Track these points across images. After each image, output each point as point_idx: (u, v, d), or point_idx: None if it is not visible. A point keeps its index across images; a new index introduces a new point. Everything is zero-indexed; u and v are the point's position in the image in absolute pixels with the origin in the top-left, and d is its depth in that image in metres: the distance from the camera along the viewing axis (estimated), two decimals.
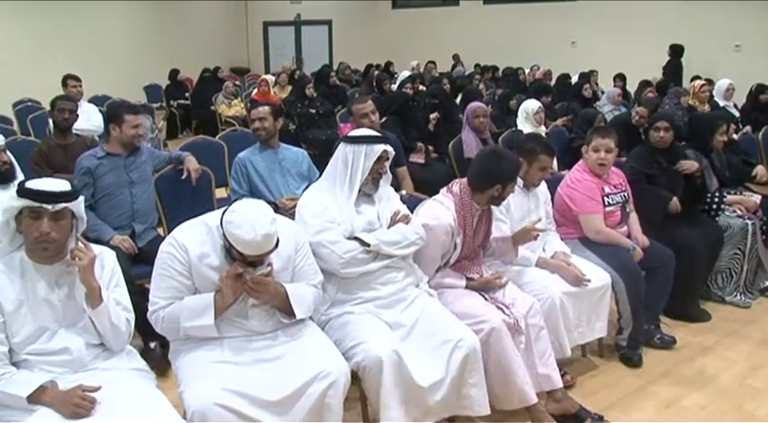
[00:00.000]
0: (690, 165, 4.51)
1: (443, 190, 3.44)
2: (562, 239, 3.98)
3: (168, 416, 2.39)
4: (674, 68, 11.55)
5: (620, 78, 10.84)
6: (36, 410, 2.35)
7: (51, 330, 2.53)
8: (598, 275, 3.75)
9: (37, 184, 2.46)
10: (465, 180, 3.38)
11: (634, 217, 4.22)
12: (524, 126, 5.98)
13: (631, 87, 10.21)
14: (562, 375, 3.60)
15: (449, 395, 2.94)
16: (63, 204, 2.46)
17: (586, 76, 10.26)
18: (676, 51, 11.71)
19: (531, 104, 6.15)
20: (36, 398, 2.36)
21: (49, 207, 2.43)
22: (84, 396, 2.37)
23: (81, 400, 2.35)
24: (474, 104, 6.03)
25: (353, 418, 3.08)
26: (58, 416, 2.33)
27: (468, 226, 3.34)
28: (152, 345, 3.65)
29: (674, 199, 4.41)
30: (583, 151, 4.15)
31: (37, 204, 2.42)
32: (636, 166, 4.46)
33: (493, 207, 3.47)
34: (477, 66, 14.01)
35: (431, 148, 6.37)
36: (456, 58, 15.02)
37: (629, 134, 5.95)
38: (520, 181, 3.66)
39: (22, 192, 2.43)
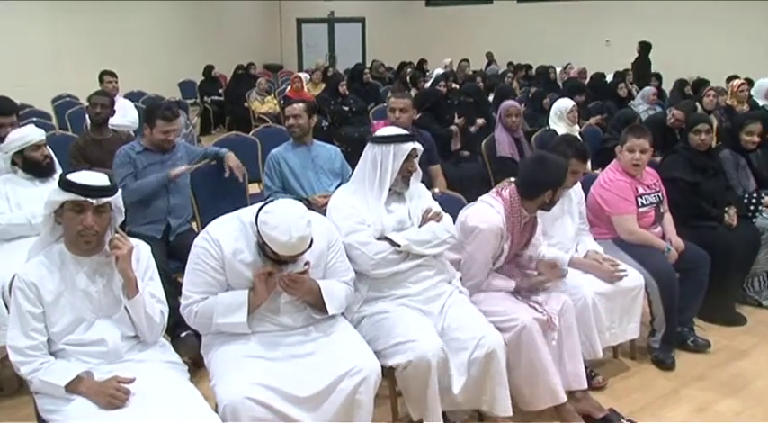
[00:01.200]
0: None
1: (492, 192, 3.41)
2: (595, 240, 3.95)
3: (200, 408, 2.42)
4: (643, 64, 12.00)
5: (656, 77, 10.71)
6: (73, 399, 2.40)
7: (88, 321, 2.58)
8: (631, 276, 3.71)
9: (80, 178, 2.50)
10: (513, 187, 3.34)
11: (668, 218, 4.17)
12: (557, 125, 5.93)
13: (667, 86, 10.09)
14: (593, 376, 3.60)
15: (471, 390, 2.95)
16: (106, 199, 2.51)
17: (621, 75, 10.15)
18: (645, 47, 12.17)
19: (565, 103, 6.08)
20: (73, 387, 2.42)
21: (93, 201, 2.47)
22: (118, 387, 2.41)
23: (116, 390, 2.39)
24: (507, 103, 6.00)
25: (383, 414, 3.08)
26: (93, 405, 2.38)
27: (516, 232, 3.32)
28: (183, 334, 3.67)
29: (731, 211, 4.38)
30: (617, 151, 4.11)
31: (82, 198, 2.46)
32: (678, 176, 4.38)
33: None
34: (510, 64, 13.94)
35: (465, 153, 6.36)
36: (489, 56, 14.96)
37: (665, 135, 5.88)
38: None
39: (67, 185, 2.47)
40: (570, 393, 3.28)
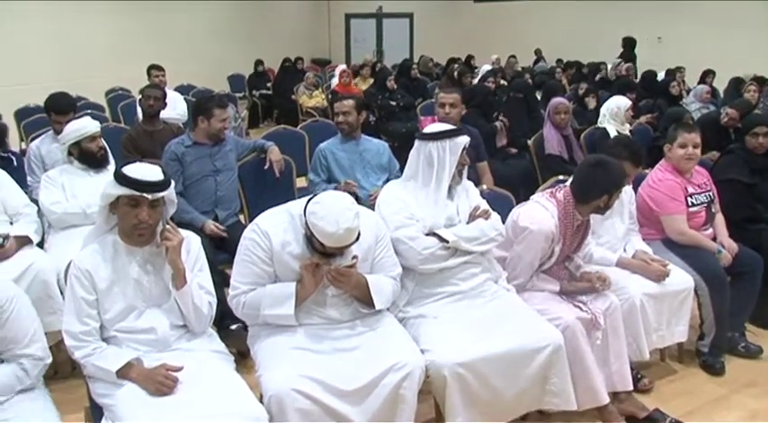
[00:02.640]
0: None
1: (546, 193, 3.38)
2: (644, 240, 3.89)
3: (246, 398, 2.45)
4: (627, 59, 12.27)
5: (711, 75, 10.48)
6: (123, 385, 2.46)
7: (139, 309, 2.64)
8: (680, 278, 3.65)
9: (136, 172, 2.54)
10: (568, 188, 3.31)
11: (720, 219, 4.08)
12: (609, 123, 5.84)
13: (721, 85, 9.87)
14: (639, 378, 3.55)
15: (531, 391, 2.93)
16: (160, 193, 2.56)
17: (673, 73, 9.97)
18: (629, 44, 12.79)
19: (620, 102, 5.97)
20: (124, 373, 2.48)
21: (149, 196, 2.53)
22: (167, 375, 2.46)
23: (164, 378, 2.45)
24: (556, 100, 5.93)
25: (427, 410, 3.07)
26: (142, 392, 2.43)
27: (568, 235, 3.29)
28: (233, 327, 3.73)
29: None
30: (665, 149, 4.04)
31: (137, 193, 2.51)
32: (734, 177, 4.28)
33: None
34: (559, 61, 13.77)
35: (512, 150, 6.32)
36: (538, 52, 14.81)
37: (718, 134, 5.76)
38: None
39: (123, 179, 2.52)
40: (614, 394, 3.25)
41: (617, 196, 3.30)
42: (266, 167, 4.56)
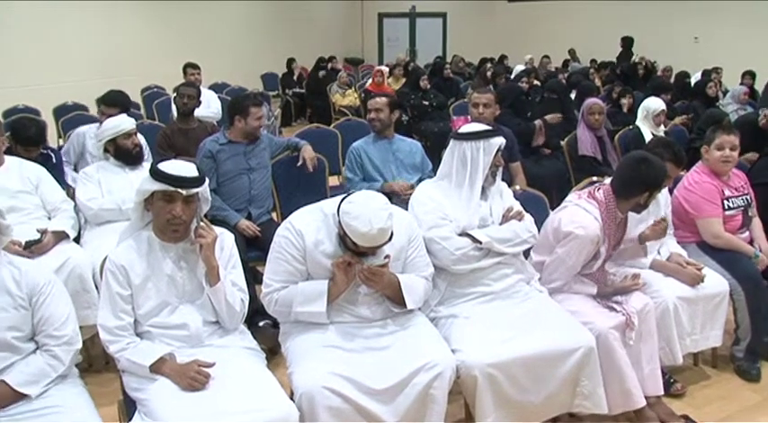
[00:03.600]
0: None
1: (584, 194, 3.35)
2: (679, 243, 3.85)
3: (276, 395, 2.47)
4: (625, 58, 13.06)
5: (749, 75, 10.30)
6: (156, 379, 2.49)
7: (172, 305, 2.67)
8: (715, 282, 3.60)
9: (171, 168, 2.57)
10: (607, 187, 3.29)
11: (757, 223, 4.01)
12: (643, 124, 5.77)
13: (760, 86, 9.70)
14: (671, 383, 3.51)
15: (562, 394, 2.91)
16: (195, 189, 2.59)
17: (709, 74, 9.82)
18: (627, 43, 13.38)
19: (655, 104, 5.88)
20: (157, 368, 2.51)
21: (183, 192, 2.56)
22: (199, 370, 2.48)
23: (196, 374, 2.47)
24: (590, 101, 5.87)
25: (456, 411, 3.08)
26: (174, 387, 2.46)
27: (611, 234, 3.27)
28: (261, 323, 3.76)
29: None
30: (703, 151, 3.98)
31: (172, 189, 2.54)
32: None
33: None
34: (593, 61, 13.65)
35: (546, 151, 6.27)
36: (572, 52, 14.69)
37: (756, 136, 5.65)
38: None
39: (158, 175, 2.55)
40: (644, 398, 3.21)
41: (655, 195, 3.26)
42: (299, 164, 4.59)
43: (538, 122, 6.22)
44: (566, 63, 13.94)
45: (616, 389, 3.06)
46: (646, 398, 3.21)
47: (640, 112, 5.91)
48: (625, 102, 7.38)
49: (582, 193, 3.37)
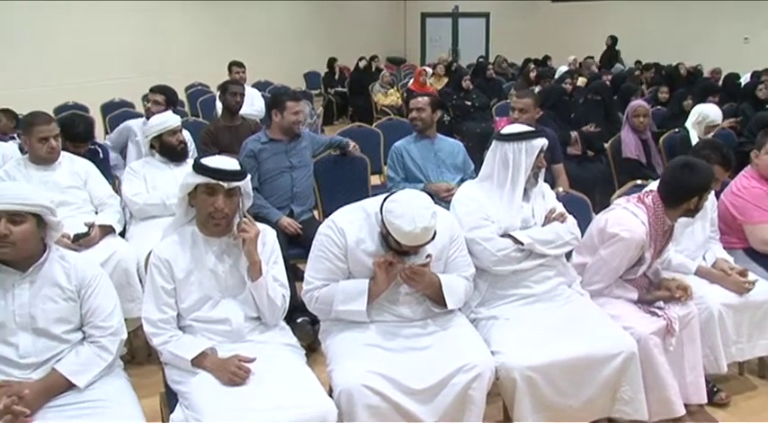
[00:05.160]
0: None
1: (633, 198, 3.30)
2: (725, 249, 3.77)
3: (316, 392, 2.48)
4: (610, 56, 14.03)
5: None
6: (198, 373, 2.53)
7: (214, 300, 2.70)
8: (763, 289, 3.51)
9: (213, 162, 2.62)
10: (656, 193, 3.23)
11: None
12: (693, 129, 5.64)
13: None
14: (715, 392, 3.45)
15: (601, 399, 2.88)
16: (236, 183, 2.62)
17: (759, 75, 9.61)
18: (613, 41, 14.24)
19: (713, 113, 5.65)
20: (198, 362, 2.54)
21: (225, 185, 2.59)
22: (240, 365, 2.51)
23: (237, 369, 2.50)
24: (635, 103, 5.80)
25: (494, 412, 3.06)
26: (215, 381, 2.49)
27: (659, 240, 3.22)
28: (299, 319, 3.78)
29: None
30: (752, 156, 3.91)
31: (214, 181, 2.58)
32: None
33: None
34: (637, 62, 13.46)
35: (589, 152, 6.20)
36: (617, 53, 14.50)
37: None
38: None
39: (200, 169, 2.59)
40: (686, 406, 3.16)
41: (706, 198, 3.21)
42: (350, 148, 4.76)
43: (574, 134, 6.14)
44: (605, 63, 13.72)
45: (655, 396, 3.02)
46: (687, 406, 3.16)
47: (692, 116, 5.73)
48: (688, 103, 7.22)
49: (631, 197, 3.32)
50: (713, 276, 3.52)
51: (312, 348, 3.50)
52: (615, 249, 3.15)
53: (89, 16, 9.99)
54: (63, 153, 4.00)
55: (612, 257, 3.17)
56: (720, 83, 9.84)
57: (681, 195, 3.15)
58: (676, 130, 5.87)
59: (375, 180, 5.13)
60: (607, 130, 6.28)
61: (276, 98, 4.45)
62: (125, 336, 2.62)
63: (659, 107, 7.96)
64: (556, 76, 9.92)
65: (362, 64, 12.23)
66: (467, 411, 2.65)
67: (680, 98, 7.48)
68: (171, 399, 2.60)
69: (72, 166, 4.00)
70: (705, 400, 3.24)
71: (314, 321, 3.58)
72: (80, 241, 3.59)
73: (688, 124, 5.73)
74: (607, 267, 3.20)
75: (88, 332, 2.53)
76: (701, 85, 8.87)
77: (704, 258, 3.66)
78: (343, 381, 2.53)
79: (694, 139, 5.47)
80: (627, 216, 3.19)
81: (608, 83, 9.05)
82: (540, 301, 3.06)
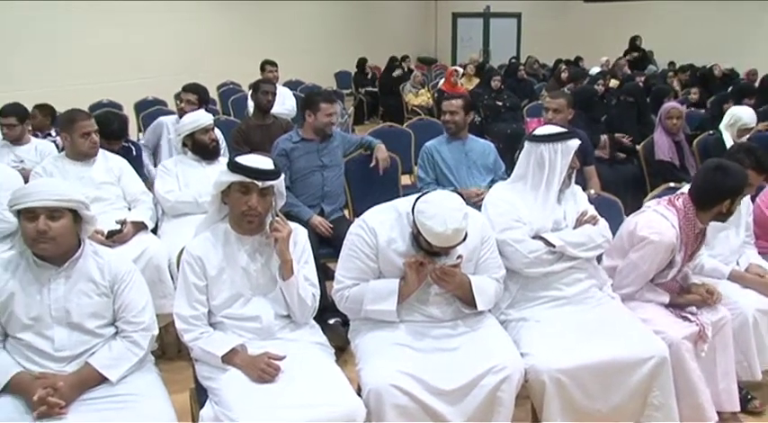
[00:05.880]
0: None
1: (664, 201, 3.27)
2: (760, 254, 3.71)
3: (344, 390, 2.49)
4: (637, 58, 13.77)
5: None
6: (228, 370, 2.55)
7: (245, 297, 2.72)
8: None
9: (248, 161, 2.63)
10: (687, 196, 3.20)
11: None
12: (726, 131, 5.56)
13: None
14: (749, 399, 3.40)
15: (631, 403, 2.85)
16: (270, 182, 2.64)
17: None
18: (634, 41, 14.33)
19: (747, 116, 5.53)
20: (229, 358, 2.56)
21: (259, 183, 2.61)
22: (269, 363, 2.53)
23: (267, 366, 2.51)
24: (668, 105, 5.72)
25: (523, 415, 3.04)
26: (245, 377, 2.51)
27: (690, 244, 3.19)
28: (331, 321, 3.80)
29: None
30: None
31: (248, 180, 2.60)
32: None
33: None
34: (671, 64, 13.31)
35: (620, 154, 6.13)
36: (649, 54, 14.35)
37: None
38: None
39: (235, 167, 2.62)
40: (718, 414, 3.12)
41: (738, 202, 3.16)
42: (372, 165, 4.62)
43: (604, 137, 6.08)
44: (636, 64, 13.56)
45: (687, 402, 2.98)
46: (720, 414, 3.12)
47: (726, 118, 5.65)
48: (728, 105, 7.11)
49: (662, 199, 3.29)
50: (747, 281, 3.46)
51: (343, 348, 3.51)
52: (645, 253, 3.12)
53: (123, 16, 10.10)
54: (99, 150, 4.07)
55: (642, 261, 3.14)
56: (757, 84, 9.68)
57: (713, 198, 3.10)
58: (711, 132, 5.79)
59: (405, 180, 5.13)
60: (640, 133, 6.22)
61: (310, 99, 4.46)
62: (156, 331, 2.66)
63: (693, 109, 7.87)
64: (588, 78, 9.85)
65: (397, 73, 12.19)
66: (495, 413, 2.63)
67: (720, 101, 7.38)
68: (201, 395, 2.62)
69: (106, 162, 4.06)
70: (738, 408, 3.19)
71: (345, 323, 3.60)
72: (113, 238, 3.64)
73: (721, 127, 5.64)
74: (637, 271, 3.17)
75: (120, 327, 2.57)
76: (736, 86, 8.75)
77: (738, 263, 3.60)
78: (372, 380, 2.54)
79: (728, 142, 5.38)
80: (657, 219, 3.16)
81: (641, 84, 8.96)
82: (570, 303, 3.04)
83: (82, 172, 3.92)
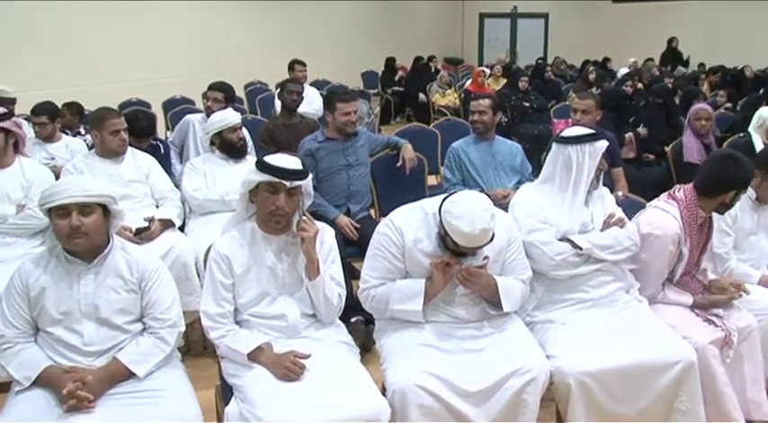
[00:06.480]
0: None
1: (663, 196, 3.26)
2: None
3: (369, 390, 2.50)
4: (670, 58, 14.08)
5: None
6: (253, 367, 2.56)
7: (272, 296, 2.74)
8: None
9: (276, 161, 2.65)
10: (689, 186, 3.19)
11: None
12: (756, 133, 5.49)
13: None
14: None
15: (657, 408, 2.82)
16: (298, 182, 2.65)
17: None
18: (672, 43, 14.48)
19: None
20: (254, 356, 2.58)
21: (287, 183, 2.62)
22: (295, 361, 2.54)
23: (292, 364, 2.52)
24: (697, 106, 5.66)
25: (547, 417, 3.02)
26: (270, 375, 2.52)
27: (694, 234, 3.16)
28: (353, 319, 3.80)
29: None
30: None
31: (277, 180, 2.61)
32: None
33: (716, 218, 3.26)
34: (701, 65, 13.16)
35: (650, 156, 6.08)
36: (682, 56, 14.20)
37: None
38: (752, 193, 3.41)
39: (264, 167, 2.63)
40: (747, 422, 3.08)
41: (741, 196, 3.13)
42: (399, 165, 4.62)
43: (628, 135, 6.03)
44: (675, 66, 13.43)
45: (713, 408, 2.94)
46: (750, 422, 3.08)
47: (755, 120, 5.57)
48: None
49: (662, 195, 3.27)
50: None
51: (366, 348, 3.51)
52: (653, 250, 3.09)
53: (153, 16, 10.22)
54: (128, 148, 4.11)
55: (653, 258, 3.11)
56: None
57: (718, 186, 3.08)
58: (741, 135, 5.72)
59: (431, 180, 5.13)
60: (668, 134, 6.16)
61: (328, 98, 4.50)
62: (183, 328, 2.69)
63: (722, 110, 7.78)
64: (617, 79, 9.78)
65: (421, 62, 12.17)
66: (520, 415, 2.63)
67: (751, 102, 7.28)
68: (226, 392, 2.64)
69: (135, 160, 4.11)
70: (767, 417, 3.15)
71: (368, 321, 3.60)
72: (141, 235, 3.68)
73: (750, 128, 5.57)
74: (651, 270, 3.15)
75: (148, 323, 2.60)
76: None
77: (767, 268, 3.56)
78: (396, 380, 2.54)
79: (758, 144, 5.31)
80: (657, 214, 3.15)
81: (670, 86, 8.87)
82: (596, 306, 3.01)
83: (111, 169, 3.98)
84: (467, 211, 2.53)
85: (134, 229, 3.68)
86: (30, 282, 2.49)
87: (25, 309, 2.49)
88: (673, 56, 14.11)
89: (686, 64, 14.03)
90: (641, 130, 6.17)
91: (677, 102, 7.18)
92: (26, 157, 3.99)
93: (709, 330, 3.03)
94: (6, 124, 3.73)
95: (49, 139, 5.19)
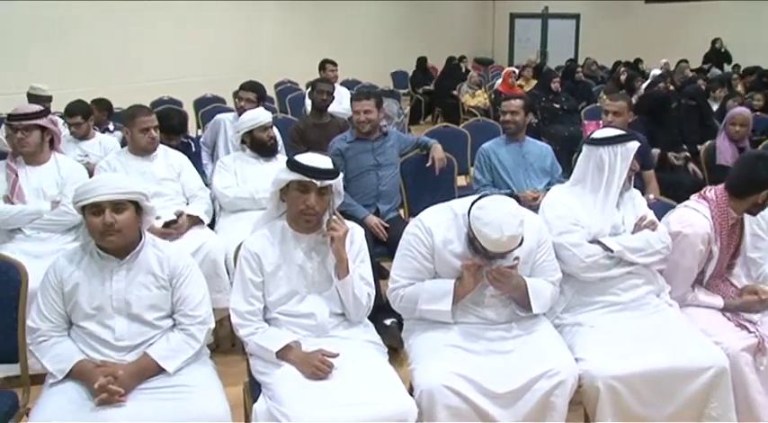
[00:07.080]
0: None
1: (694, 196, 3.24)
2: None
3: (396, 390, 2.50)
4: (712, 57, 13.84)
5: None
6: (282, 365, 2.57)
7: (301, 295, 2.75)
8: None
9: (307, 160, 2.66)
10: (720, 187, 3.15)
11: None
12: None
13: None
14: None
15: (687, 413, 2.79)
16: (329, 181, 2.66)
17: None
18: (715, 45, 14.17)
19: None
20: (283, 354, 2.59)
21: (318, 183, 2.63)
22: (323, 360, 2.54)
23: (320, 363, 2.53)
24: (735, 111, 5.58)
25: (576, 419, 3.00)
26: (298, 374, 2.53)
27: (724, 235, 3.12)
28: (387, 322, 3.80)
29: None
30: None
31: (307, 179, 2.63)
32: None
33: (750, 222, 3.22)
34: (735, 67, 12.96)
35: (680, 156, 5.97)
36: (711, 57, 14.01)
37: None
38: None
39: (295, 166, 2.65)
40: None
41: None
42: (428, 165, 4.62)
43: (656, 151, 5.86)
44: (710, 68, 13.24)
45: (746, 416, 2.89)
46: None
47: None
48: None
49: (694, 195, 3.24)
50: None
51: (396, 350, 3.51)
52: (683, 248, 3.06)
53: (185, 16, 10.31)
54: (159, 145, 4.15)
55: (683, 257, 3.08)
56: None
57: (750, 187, 3.04)
58: None
59: (461, 181, 5.11)
60: (701, 136, 6.08)
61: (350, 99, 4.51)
62: (213, 325, 2.71)
63: (758, 113, 7.66)
64: (649, 80, 9.67)
65: (457, 84, 12.10)
66: (547, 417, 2.61)
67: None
68: (254, 389, 2.65)
69: (167, 158, 4.16)
70: None
71: (401, 324, 3.60)
72: (170, 228, 3.72)
73: None
74: (680, 269, 3.11)
75: (178, 320, 2.63)
76: None
77: None
78: (424, 380, 2.54)
79: None
80: (687, 213, 3.12)
81: (703, 87, 8.76)
82: (627, 309, 2.98)
83: (144, 167, 4.03)
84: (495, 216, 2.52)
85: (163, 223, 3.72)
86: (64, 277, 2.54)
87: (59, 303, 2.53)
88: (716, 56, 13.87)
89: (731, 64, 13.79)
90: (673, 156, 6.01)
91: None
92: (61, 153, 4.05)
93: (741, 336, 2.98)
94: (43, 122, 3.81)
95: (83, 137, 5.27)
